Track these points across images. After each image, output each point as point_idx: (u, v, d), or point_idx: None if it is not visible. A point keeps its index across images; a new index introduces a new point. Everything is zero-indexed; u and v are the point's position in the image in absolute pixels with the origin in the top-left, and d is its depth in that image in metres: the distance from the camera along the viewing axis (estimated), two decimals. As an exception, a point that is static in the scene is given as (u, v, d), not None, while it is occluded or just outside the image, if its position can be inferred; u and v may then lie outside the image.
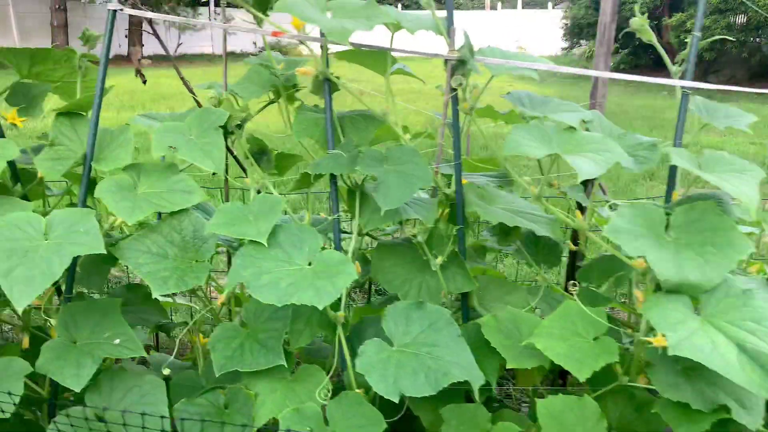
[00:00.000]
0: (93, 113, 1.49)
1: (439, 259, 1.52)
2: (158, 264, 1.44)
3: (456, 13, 1.43)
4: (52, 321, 1.39)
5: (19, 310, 1.24)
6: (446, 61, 1.42)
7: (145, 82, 1.80)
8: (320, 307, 1.24)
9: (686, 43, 1.54)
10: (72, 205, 1.72)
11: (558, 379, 1.87)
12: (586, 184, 1.75)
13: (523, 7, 25.45)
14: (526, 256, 1.68)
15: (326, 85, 1.51)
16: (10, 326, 2.02)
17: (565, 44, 21.34)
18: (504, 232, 1.67)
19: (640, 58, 17.71)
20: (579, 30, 20.77)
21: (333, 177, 1.52)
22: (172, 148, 1.46)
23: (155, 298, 1.89)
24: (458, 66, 1.41)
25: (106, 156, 1.52)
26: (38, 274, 1.28)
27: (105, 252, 1.35)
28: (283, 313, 1.47)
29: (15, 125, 1.60)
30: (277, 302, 1.25)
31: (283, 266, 1.34)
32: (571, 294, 1.43)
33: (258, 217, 1.44)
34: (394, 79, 1.56)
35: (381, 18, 1.37)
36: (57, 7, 17.50)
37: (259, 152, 1.58)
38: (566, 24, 20.58)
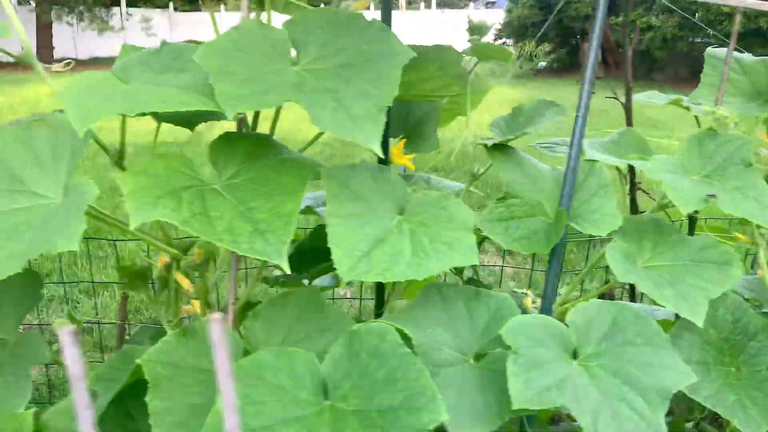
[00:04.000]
0: (573, 145, 0.94)
1: None
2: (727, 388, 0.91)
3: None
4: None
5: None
6: None
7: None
8: None
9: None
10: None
11: None
12: None
13: (438, 7, 24.98)
14: None
15: None
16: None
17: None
18: None
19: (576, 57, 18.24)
20: (524, 30, 21.12)
21: None
22: (710, 197, 0.94)
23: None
24: None
25: (581, 211, 0.98)
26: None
27: None
28: None
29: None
30: None
31: None
32: None
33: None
34: None
35: None
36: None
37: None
38: (500, 24, 20.72)
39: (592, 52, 0.91)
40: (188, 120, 1.05)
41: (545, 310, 0.95)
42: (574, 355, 0.83)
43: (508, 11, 21.69)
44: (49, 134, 0.92)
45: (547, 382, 0.78)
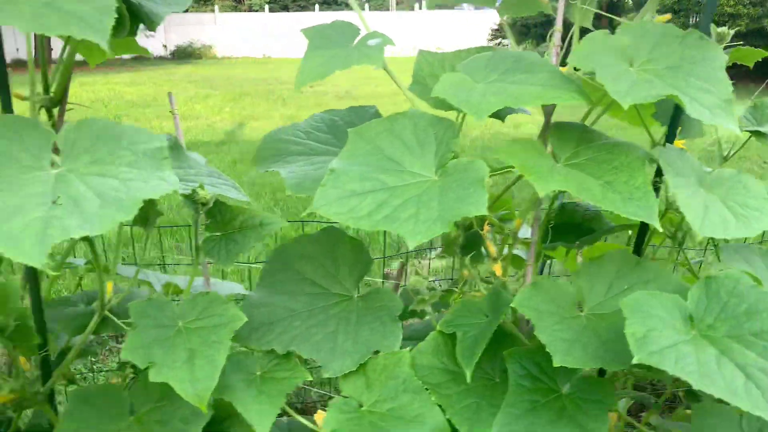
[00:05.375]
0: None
1: None
2: None
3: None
4: None
5: None
6: None
7: None
8: None
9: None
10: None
11: None
12: None
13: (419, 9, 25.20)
14: None
15: None
16: None
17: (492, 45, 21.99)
18: None
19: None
20: (527, 30, 21.24)
21: None
22: None
23: None
24: None
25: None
26: None
27: None
28: None
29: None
30: None
31: None
32: None
33: None
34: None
35: None
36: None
37: None
38: (496, 24, 20.90)
39: None
40: (499, 114, 1.26)
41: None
42: None
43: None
44: (411, 124, 1.12)
45: None
